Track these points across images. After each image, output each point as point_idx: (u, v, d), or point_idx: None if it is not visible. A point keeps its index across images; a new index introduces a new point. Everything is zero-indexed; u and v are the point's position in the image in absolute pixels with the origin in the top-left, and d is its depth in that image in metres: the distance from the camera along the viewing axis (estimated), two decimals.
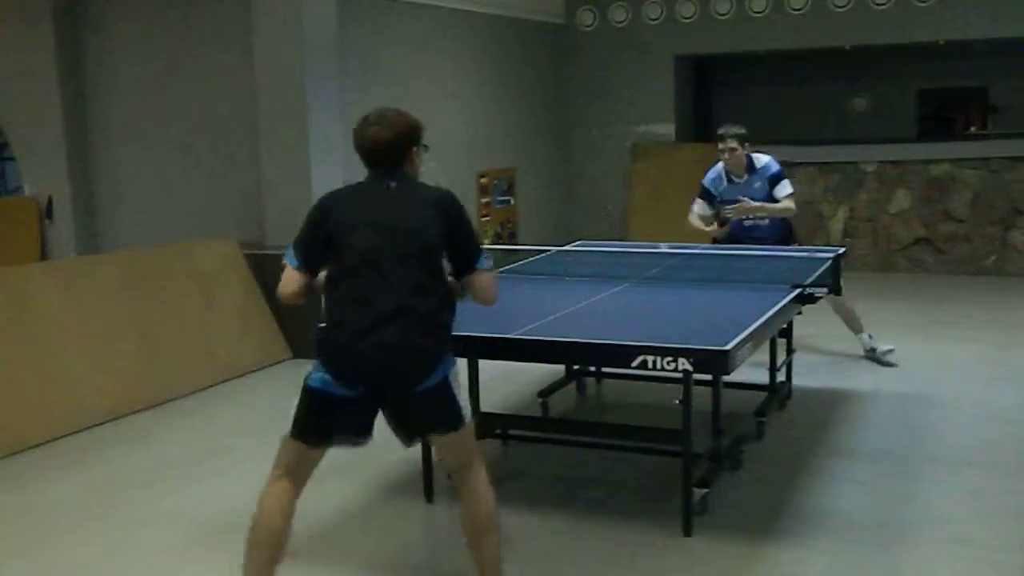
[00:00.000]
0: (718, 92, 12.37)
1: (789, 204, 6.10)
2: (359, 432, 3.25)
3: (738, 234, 6.18)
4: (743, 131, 6.16)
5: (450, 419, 3.17)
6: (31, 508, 4.35)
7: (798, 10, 10.08)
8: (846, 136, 11.07)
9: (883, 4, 9.76)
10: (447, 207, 3.20)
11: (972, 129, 11.51)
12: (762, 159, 6.16)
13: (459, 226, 3.20)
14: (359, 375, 3.10)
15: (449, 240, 3.17)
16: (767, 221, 6.14)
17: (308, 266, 3.21)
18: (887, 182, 9.76)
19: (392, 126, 3.19)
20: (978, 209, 9.44)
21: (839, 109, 12.03)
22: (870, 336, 6.35)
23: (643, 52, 10.75)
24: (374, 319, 3.04)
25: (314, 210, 3.23)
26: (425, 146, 3.35)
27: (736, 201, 6.06)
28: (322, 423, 3.21)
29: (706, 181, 6.29)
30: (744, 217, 6.11)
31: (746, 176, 6.13)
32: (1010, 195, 9.33)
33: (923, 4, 9.61)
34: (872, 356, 6.28)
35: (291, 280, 3.22)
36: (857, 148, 9.82)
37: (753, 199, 6.04)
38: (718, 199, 6.20)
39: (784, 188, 6.09)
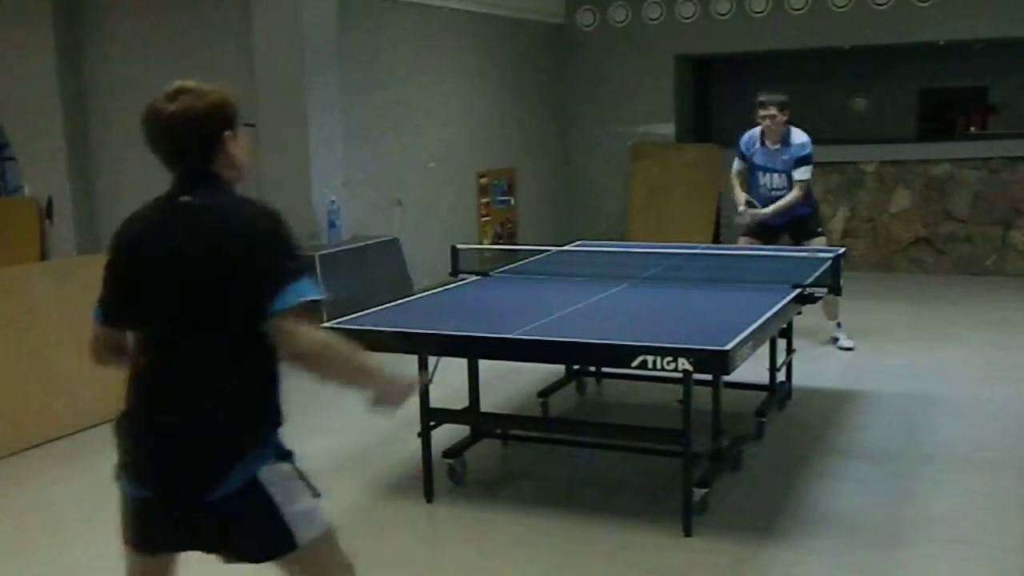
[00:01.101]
0: (718, 92, 12.37)
1: (796, 193, 6.25)
2: (181, 545, 2.36)
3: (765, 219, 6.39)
4: (784, 98, 6.27)
5: (270, 542, 2.29)
6: (31, 508, 4.35)
7: (798, 10, 10.08)
8: (846, 136, 11.06)
9: (883, 4, 9.76)
10: (242, 230, 2.23)
11: (972, 129, 11.50)
12: (798, 137, 6.28)
13: (253, 253, 2.21)
14: (141, 472, 2.28)
15: (244, 275, 2.21)
16: (784, 193, 6.30)
17: (107, 318, 2.37)
18: (887, 182, 9.75)
19: (194, 103, 2.34)
20: (978, 209, 9.44)
21: (839, 109, 12.03)
22: (839, 325, 6.58)
23: (643, 52, 10.75)
24: (149, 399, 2.29)
25: (110, 242, 2.39)
26: (249, 124, 2.50)
27: (765, 167, 6.34)
28: (134, 526, 2.34)
29: (740, 143, 6.54)
30: (772, 192, 6.35)
31: (779, 146, 6.27)
32: (1010, 195, 9.33)
33: (923, 4, 9.61)
34: (834, 343, 6.59)
35: (92, 333, 2.40)
36: (857, 148, 9.82)
37: (777, 171, 6.30)
38: (752, 163, 6.44)
39: (802, 173, 6.23)
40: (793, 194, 6.25)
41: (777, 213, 6.30)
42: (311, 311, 2.26)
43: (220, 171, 2.34)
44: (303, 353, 2.25)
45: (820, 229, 6.59)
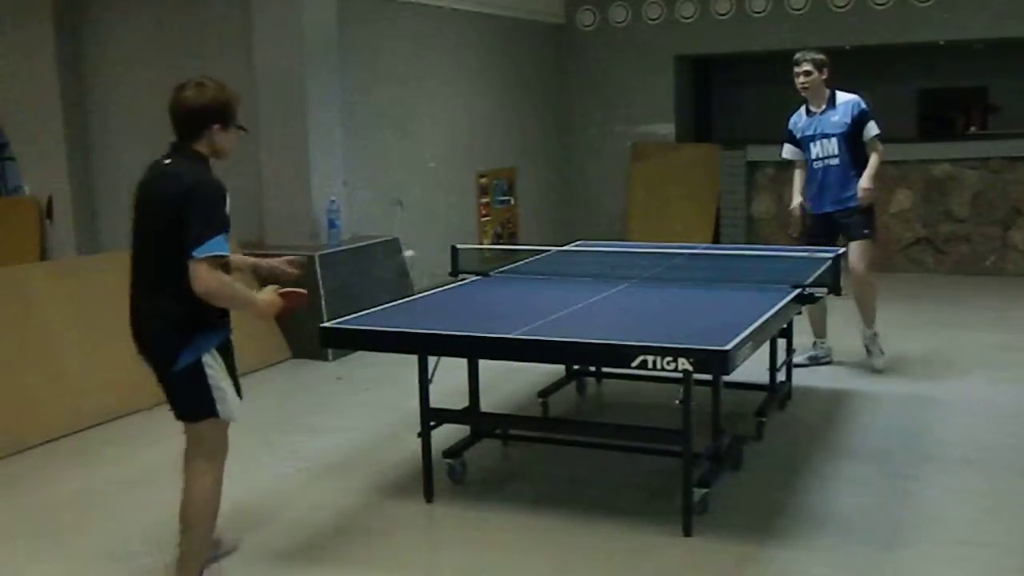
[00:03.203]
0: (718, 92, 12.38)
1: (875, 158, 5.82)
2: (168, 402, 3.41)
3: (817, 208, 6.02)
4: (821, 57, 5.95)
5: (204, 407, 3.27)
6: (31, 508, 4.35)
7: (798, 10, 10.08)
8: None
9: (883, 4, 9.76)
10: (187, 189, 3.11)
11: (972, 129, 11.51)
12: (845, 96, 5.96)
13: (188, 207, 3.07)
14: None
15: (177, 224, 3.08)
16: (837, 161, 5.88)
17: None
18: (887, 182, 9.73)
19: (197, 97, 3.18)
20: (978, 209, 9.44)
21: None
22: (820, 343, 6.32)
23: (643, 52, 10.75)
24: (130, 299, 3.33)
25: None
26: (240, 127, 3.29)
27: (813, 135, 5.95)
28: None
29: (789, 125, 6.19)
30: (824, 161, 5.93)
31: (824, 107, 5.95)
32: (1010, 195, 9.33)
33: (923, 4, 9.61)
34: (815, 361, 6.27)
35: None
36: None
37: (826, 136, 5.90)
38: (800, 137, 6.08)
39: (872, 128, 5.85)
40: (874, 159, 5.80)
41: (830, 161, 5.86)
42: (219, 261, 3.11)
43: (200, 149, 3.26)
44: (203, 292, 3.10)
45: (867, 231, 5.94)
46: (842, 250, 5.66)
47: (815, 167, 6.02)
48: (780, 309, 4.28)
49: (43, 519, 4.23)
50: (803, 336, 6.26)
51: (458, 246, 5.43)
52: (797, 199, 6.15)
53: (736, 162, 10.21)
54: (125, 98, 8.03)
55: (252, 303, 3.30)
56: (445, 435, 4.54)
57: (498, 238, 9.87)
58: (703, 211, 10.35)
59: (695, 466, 3.91)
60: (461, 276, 5.34)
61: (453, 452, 4.46)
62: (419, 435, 4.23)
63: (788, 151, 6.22)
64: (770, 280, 4.80)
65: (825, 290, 4.72)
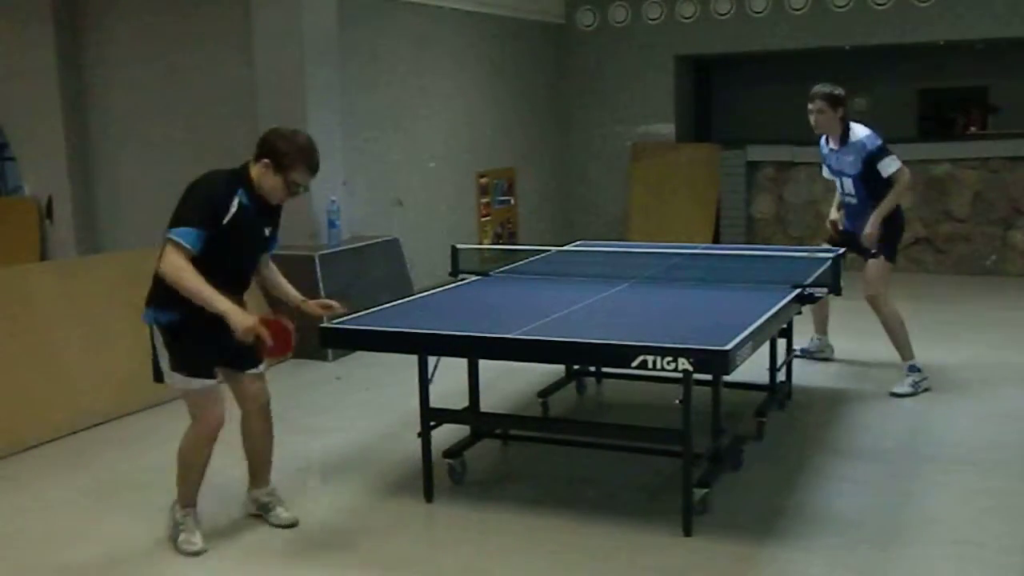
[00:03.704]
0: (718, 92, 12.38)
1: (897, 191, 5.59)
2: None
3: (846, 225, 5.96)
4: (834, 91, 5.60)
5: (155, 369, 3.74)
6: (30, 508, 4.34)
7: (798, 10, 10.08)
8: None
9: (883, 4, 9.76)
10: (192, 182, 3.68)
11: (972, 129, 11.51)
12: (857, 133, 5.62)
13: (184, 195, 3.65)
14: None
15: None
16: (855, 200, 5.74)
17: None
18: None
19: (267, 133, 3.74)
20: (978, 209, 9.44)
21: None
22: (818, 338, 6.38)
23: (643, 52, 10.75)
24: None
25: None
26: (293, 183, 3.67)
27: (833, 170, 5.84)
28: None
29: (820, 149, 6.00)
30: (846, 198, 5.83)
31: (839, 147, 5.70)
32: (1010, 195, 9.33)
33: (923, 4, 9.61)
34: (807, 353, 6.35)
35: None
36: None
37: (843, 173, 5.74)
38: (828, 169, 5.95)
39: (888, 166, 5.55)
40: (890, 196, 5.58)
41: (860, 228, 5.72)
42: (185, 249, 3.49)
43: (251, 170, 3.73)
44: (160, 271, 3.54)
45: (875, 252, 5.73)
46: (842, 250, 5.65)
47: (842, 198, 5.94)
48: (780, 309, 4.28)
49: (43, 519, 4.23)
50: (802, 335, 6.27)
51: (458, 246, 5.43)
52: (834, 214, 6.06)
53: (736, 162, 10.21)
54: (125, 98, 8.03)
55: (213, 303, 3.51)
56: (445, 435, 4.54)
57: (498, 238, 9.87)
58: (703, 211, 10.35)
59: (695, 466, 3.91)
60: (461, 276, 5.34)
61: (453, 452, 4.46)
62: (419, 435, 4.23)
63: (827, 172, 6.05)
64: (770, 280, 4.80)
65: (825, 290, 4.71)
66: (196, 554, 3.78)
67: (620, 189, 10.92)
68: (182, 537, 3.82)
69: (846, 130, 5.64)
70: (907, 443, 4.91)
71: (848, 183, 5.76)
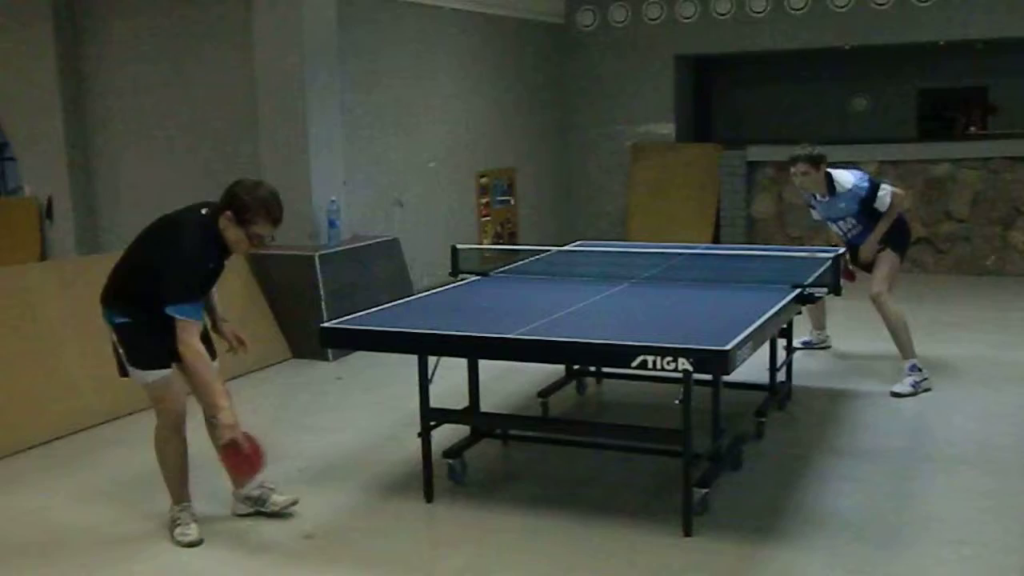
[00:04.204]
0: (718, 92, 12.39)
1: (890, 214, 5.75)
2: None
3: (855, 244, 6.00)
4: (814, 152, 5.71)
5: (119, 364, 3.91)
6: (30, 508, 4.34)
7: (798, 10, 10.08)
8: (846, 136, 11.09)
9: (883, 4, 9.76)
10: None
11: (972, 129, 11.52)
12: (844, 184, 5.72)
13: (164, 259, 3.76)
14: None
15: None
16: (860, 229, 5.86)
17: None
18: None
19: (231, 185, 3.82)
20: (978, 209, 9.44)
21: (839, 109, 12.04)
22: (818, 333, 6.57)
23: (643, 52, 10.76)
24: None
25: None
26: (255, 235, 3.76)
27: (827, 217, 5.98)
28: None
29: (806, 200, 6.13)
30: (849, 234, 5.95)
31: (828, 197, 5.81)
32: (1010, 195, 9.33)
33: (923, 4, 9.61)
34: (808, 345, 6.53)
35: None
36: (857, 148, 9.81)
37: (835, 219, 5.92)
38: (820, 216, 6.10)
39: (883, 202, 5.71)
40: (887, 216, 5.74)
41: (852, 232, 5.90)
42: (194, 326, 3.73)
43: (218, 220, 3.80)
44: (181, 354, 3.72)
45: (882, 244, 5.83)
46: (843, 249, 5.66)
47: (844, 237, 6.00)
48: (780, 309, 4.28)
49: (43, 519, 4.23)
50: (802, 331, 6.27)
51: (458, 246, 5.43)
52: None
53: (736, 162, 10.21)
54: (125, 98, 8.03)
55: (216, 400, 3.79)
56: (445, 435, 4.54)
57: (498, 238, 9.87)
58: (703, 211, 10.35)
59: (695, 466, 3.91)
60: (461, 276, 5.34)
61: (453, 452, 4.46)
62: (419, 435, 4.23)
63: (817, 216, 6.16)
64: (770, 280, 4.80)
65: (825, 290, 4.72)
66: (191, 544, 3.85)
67: (620, 189, 10.93)
68: (178, 530, 3.90)
69: (831, 181, 5.77)
70: (907, 443, 4.91)
71: (847, 223, 5.91)
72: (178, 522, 3.92)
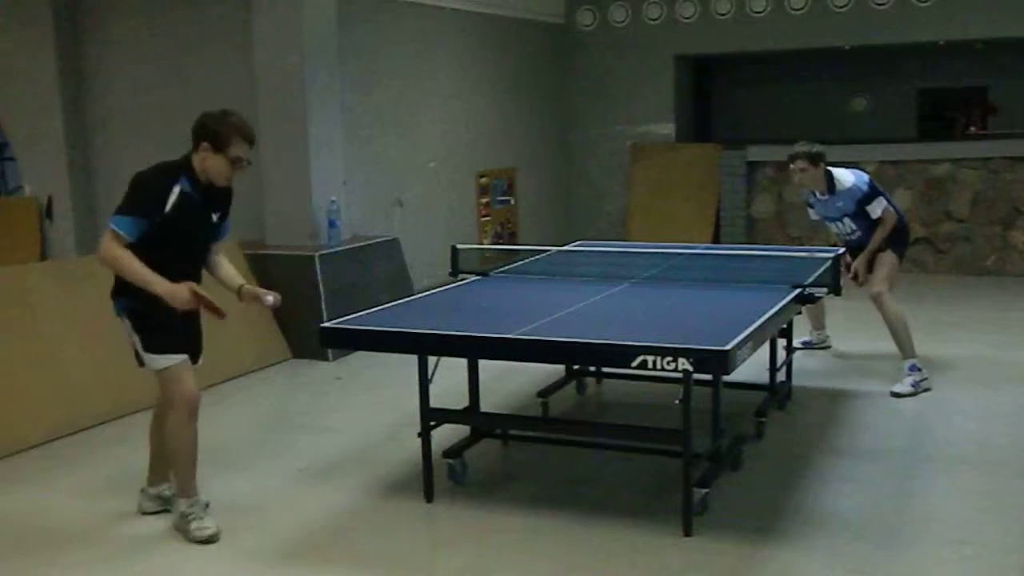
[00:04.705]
0: (718, 92, 12.39)
1: (880, 231, 5.82)
2: None
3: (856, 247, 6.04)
4: (813, 150, 5.78)
5: (136, 355, 3.89)
6: (30, 508, 4.35)
7: (798, 10, 10.08)
8: (846, 136, 11.08)
9: (883, 4, 9.76)
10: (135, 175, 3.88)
11: (972, 129, 11.52)
12: (844, 182, 5.79)
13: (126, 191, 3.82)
14: None
15: None
16: (859, 233, 5.92)
17: None
18: (887, 182, 9.74)
19: (201, 118, 3.86)
20: (978, 209, 9.44)
21: (839, 109, 12.04)
22: (818, 333, 6.58)
23: (643, 52, 10.76)
24: None
25: None
26: (236, 158, 3.77)
27: (826, 217, 6.04)
28: None
29: (806, 199, 6.19)
30: (847, 237, 6.01)
31: (827, 196, 5.87)
32: (1010, 195, 9.33)
33: (923, 4, 9.61)
34: (808, 345, 6.55)
35: None
36: (857, 148, 9.81)
37: (830, 218, 6.00)
38: (819, 217, 6.15)
39: (874, 209, 5.78)
40: (878, 232, 5.82)
41: (850, 236, 5.99)
42: (120, 237, 3.68)
43: (192, 159, 3.87)
44: (99, 258, 3.72)
45: (882, 245, 5.88)
46: (842, 249, 5.67)
47: (843, 238, 6.07)
48: (780, 309, 4.28)
49: (43, 519, 4.23)
50: (802, 331, 6.27)
51: (458, 246, 5.43)
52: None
53: (736, 162, 10.21)
54: (125, 98, 8.03)
55: (149, 285, 3.66)
56: (445, 435, 4.54)
57: (498, 238, 9.87)
58: (703, 211, 10.35)
59: (695, 466, 3.91)
60: (461, 276, 5.34)
61: (453, 452, 4.46)
62: (419, 435, 4.23)
63: (815, 215, 6.22)
64: (770, 280, 4.80)
65: (825, 290, 4.72)
66: (211, 538, 3.83)
67: (620, 189, 10.93)
68: (194, 525, 3.86)
69: (831, 179, 5.81)
70: (907, 443, 4.91)
71: (845, 225, 5.97)
72: (192, 517, 3.88)
